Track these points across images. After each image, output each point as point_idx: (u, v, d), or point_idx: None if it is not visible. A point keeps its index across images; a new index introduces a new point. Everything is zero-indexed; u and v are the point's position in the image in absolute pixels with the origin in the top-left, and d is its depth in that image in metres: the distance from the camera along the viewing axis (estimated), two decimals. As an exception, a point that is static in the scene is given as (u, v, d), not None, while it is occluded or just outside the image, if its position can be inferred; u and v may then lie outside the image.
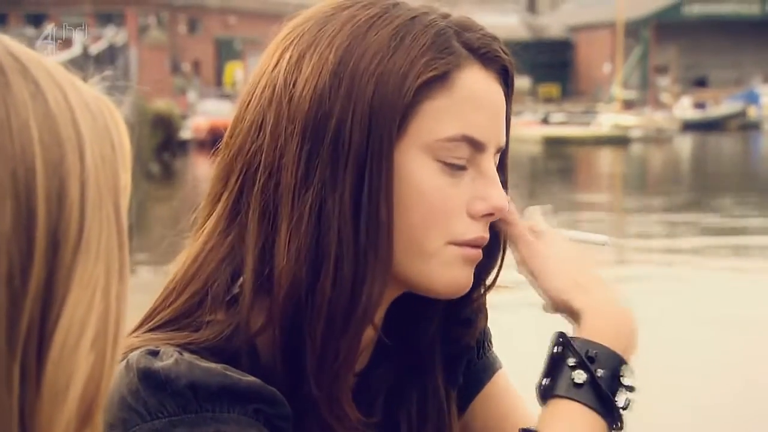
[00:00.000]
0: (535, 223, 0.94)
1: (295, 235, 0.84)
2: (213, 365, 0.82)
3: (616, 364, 0.86)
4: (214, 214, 0.89)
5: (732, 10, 55.32)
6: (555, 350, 0.87)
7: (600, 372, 0.85)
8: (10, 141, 0.51)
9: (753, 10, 55.67)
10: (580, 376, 0.85)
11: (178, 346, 0.83)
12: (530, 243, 0.91)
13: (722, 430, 6.16)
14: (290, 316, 0.84)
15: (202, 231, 0.89)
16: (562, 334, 0.88)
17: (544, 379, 0.87)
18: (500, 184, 0.89)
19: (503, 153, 0.93)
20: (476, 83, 0.88)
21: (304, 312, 0.84)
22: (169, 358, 0.82)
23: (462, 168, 0.87)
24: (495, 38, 0.90)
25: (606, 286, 0.90)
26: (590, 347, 0.86)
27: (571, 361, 0.86)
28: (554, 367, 0.87)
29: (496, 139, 0.89)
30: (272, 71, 0.88)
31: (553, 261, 0.90)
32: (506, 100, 0.91)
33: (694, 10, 55.25)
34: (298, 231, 0.84)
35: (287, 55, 0.87)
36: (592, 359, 0.86)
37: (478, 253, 0.89)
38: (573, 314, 0.89)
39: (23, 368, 0.50)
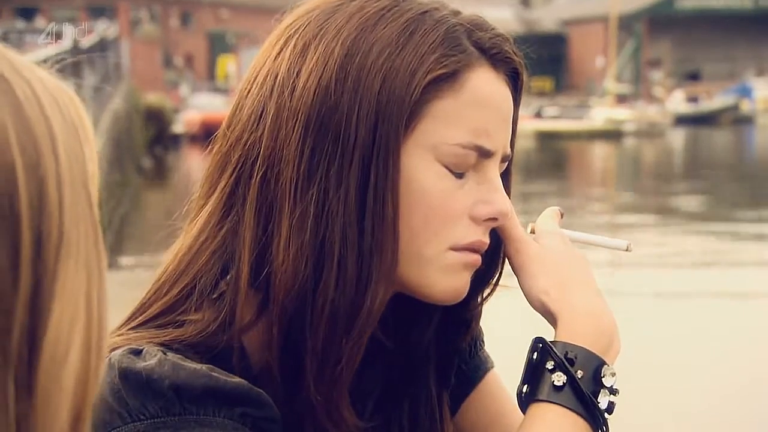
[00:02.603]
0: (541, 223, 0.92)
1: (297, 232, 0.81)
2: (198, 366, 0.79)
3: (597, 365, 0.84)
4: (208, 205, 0.86)
5: (724, 4, 55.38)
6: (533, 356, 0.86)
7: (580, 373, 0.84)
8: None
9: (745, 4, 55.74)
10: (559, 378, 0.84)
11: (161, 344, 0.81)
12: (520, 240, 0.89)
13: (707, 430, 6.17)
14: (290, 316, 0.82)
15: (195, 223, 0.86)
16: (539, 339, 0.86)
17: (524, 386, 0.85)
18: (504, 190, 0.88)
19: (509, 160, 0.91)
20: (486, 86, 0.85)
21: (304, 313, 0.81)
22: (152, 358, 0.79)
23: (466, 173, 0.86)
24: (507, 39, 0.88)
25: (588, 288, 0.88)
26: (569, 349, 0.84)
27: (549, 365, 0.84)
28: (533, 372, 0.85)
29: (503, 146, 0.87)
30: (274, 60, 0.85)
31: (538, 261, 0.88)
32: (514, 104, 0.89)
33: (687, 4, 55.30)
34: (300, 228, 0.81)
35: (291, 45, 0.85)
36: (571, 361, 0.84)
37: (477, 259, 0.87)
38: (550, 316, 0.87)
39: (16, 382, 0.49)
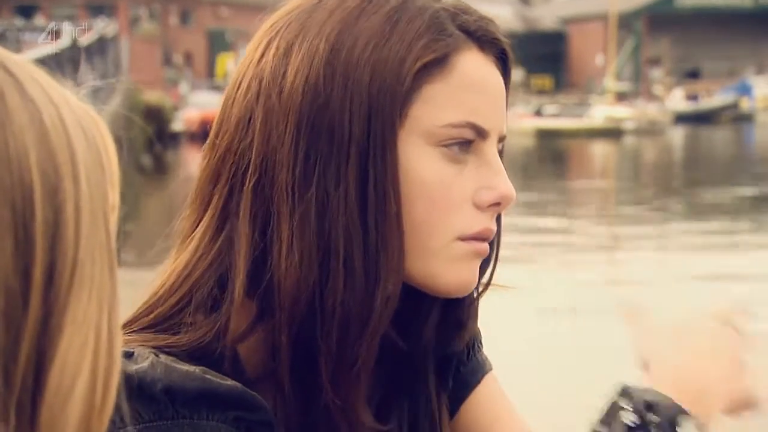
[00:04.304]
0: (716, 313, 0.89)
1: (299, 236, 0.79)
2: (191, 368, 0.78)
3: (675, 413, 0.82)
4: (203, 219, 0.84)
5: (724, 2, 55.34)
6: (614, 399, 0.83)
7: (654, 418, 0.82)
8: (9, 171, 0.48)
9: (745, 2, 55.70)
10: (633, 419, 0.81)
11: (154, 347, 0.79)
12: (652, 329, 0.87)
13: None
14: (298, 322, 0.80)
15: (192, 238, 0.84)
16: (623, 384, 0.84)
17: (601, 427, 0.83)
18: (505, 172, 0.86)
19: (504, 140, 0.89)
20: (475, 67, 0.84)
21: (314, 317, 0.80)
22: (145, 361, 0.77)
23: (465, 153, 0.84)
24: (491, 21, 0.87)
25: (699, 347, 0.85)
26: (650, 395, 0.83)
27: (627, 406, 0.82)
28: (610, 414, 0.83)
29: (498, 126, 0.86)
30: (257, 64, 0.84)
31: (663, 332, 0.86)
32: (505, 87, 0.88)
33: (687, 2, 55.26)
34: (302, 232, 0.79)
35: (273, 47, 0.83)
36: (650, 406, 0.82)
37: (485, 248, 0.85)
38: (644, 365, 0.86)
39: (18, 414, 0.48)
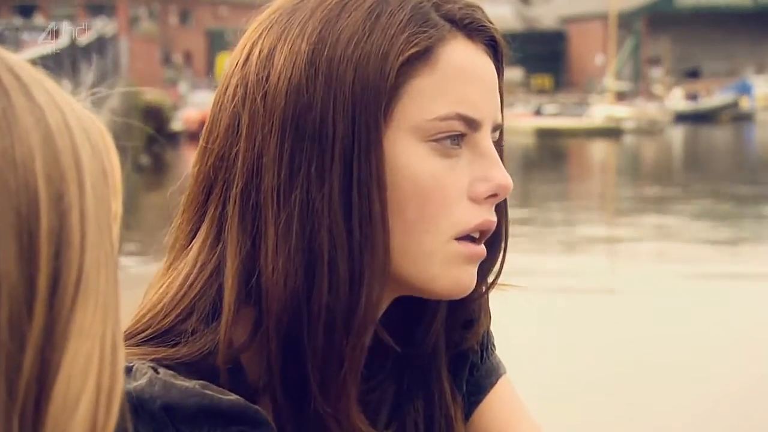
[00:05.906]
0: None
1: (284, 238, 0.79)
2: (190, 383, 0.76)
3: None
4: (201, 230, 0.83)
5: (724, 2, 55.34)
6: None
7: None
8: (14, 174, 0.47)
9: (745, 1, 55.70)
10: None
11: (152, 361, 0.78)
12: None
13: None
14: (286, 327, 0.79)
15: (190, 249, 0.83)
16: None
17: None
18: (501, 162, 0.83)
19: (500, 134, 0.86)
20: (463, 57, 0.82)
21: (301, 322, 0.79)
22: (143, 377, 0.76)
23: (458, 146, 0.81)
24: (478, 7, 0.84)
25: None
26: None
27: None
28: None
29: (491, 116, 0.83)
30: (242, 69, 0.83)
31: None
32: (498, 74, 0.85)
33: (687, 1, 55.27)
34: (287, 234, 0.78)
35: (256, 51, 0.82)
36: None
37: (482, 250, 0.83)
38: None
39: (21, 426, 0.47)
